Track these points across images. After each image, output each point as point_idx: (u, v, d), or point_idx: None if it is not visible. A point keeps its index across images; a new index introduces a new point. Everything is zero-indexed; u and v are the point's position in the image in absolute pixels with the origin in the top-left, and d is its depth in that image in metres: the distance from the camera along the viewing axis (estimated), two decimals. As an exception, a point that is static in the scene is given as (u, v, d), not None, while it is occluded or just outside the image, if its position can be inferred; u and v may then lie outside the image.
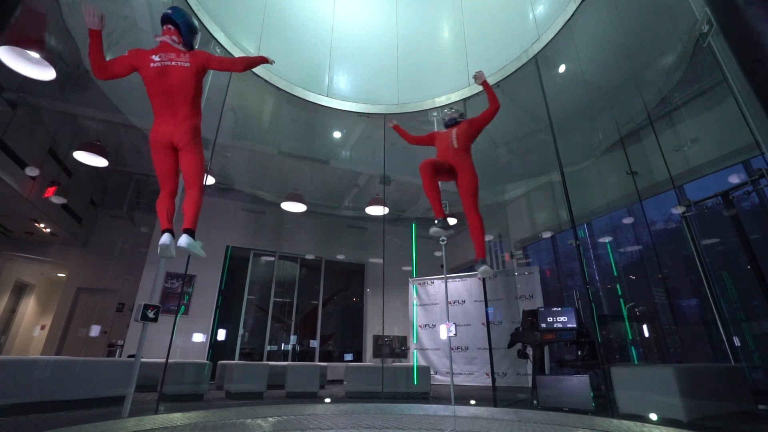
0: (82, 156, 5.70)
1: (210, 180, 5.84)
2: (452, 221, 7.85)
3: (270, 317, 8.66)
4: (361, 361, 9.12)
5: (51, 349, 7.93)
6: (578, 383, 3.89)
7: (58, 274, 9.02)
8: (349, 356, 9.17)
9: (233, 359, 7.54)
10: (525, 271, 7.49)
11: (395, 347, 8.61)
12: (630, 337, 5.29)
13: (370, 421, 3.73)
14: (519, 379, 6.59)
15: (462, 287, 7.91)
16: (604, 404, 3.65)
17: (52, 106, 5.99)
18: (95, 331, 7.65)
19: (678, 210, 5.23)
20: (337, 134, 7.23)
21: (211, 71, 4.27)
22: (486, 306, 5.55)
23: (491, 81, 5.57)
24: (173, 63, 2.65)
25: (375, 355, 8.73)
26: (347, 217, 9.53)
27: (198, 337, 7.78)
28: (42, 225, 7.47)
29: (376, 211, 7.18)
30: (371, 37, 6.38)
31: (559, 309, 4.52)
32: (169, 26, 2.82)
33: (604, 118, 5.98)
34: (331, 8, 6.23)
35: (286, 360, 8.47)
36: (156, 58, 2.64)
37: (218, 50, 4.91)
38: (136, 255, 7.90)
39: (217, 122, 4.73)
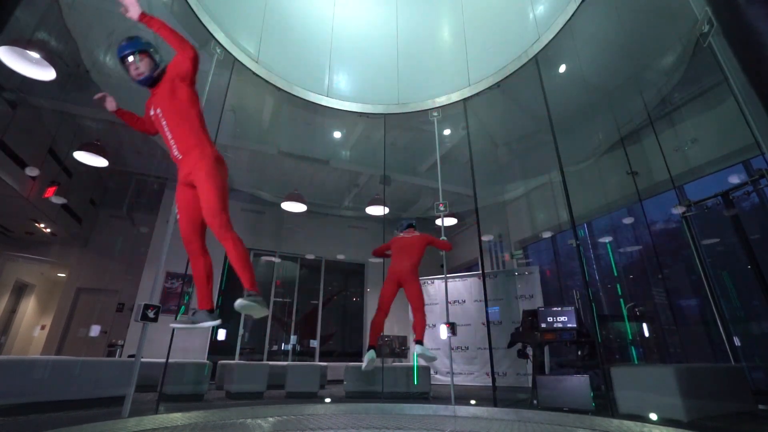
0: (82, 156, 5.70)
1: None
2: (452, 221, 7.88)
3: (270, 317, 8.66)
4: (361, 361, 9.11)
5: (51, 349, 7.94)
6: (578, 383, 3.89)
7: (58, 274, 9.03)
8: (349, 356, 9.16)
9: (233, 359, 7.54)
10: (525, 271, 7.49)
11: (395, 347, 8.61)
12: (630, 337, 5.29)
13: (370, 421, 3.73)
14: (519, 379, 6.59)
15: (462, 287, 7.91)
16: (604, 404, 3.64)
17: (52, 106, 5.99)
18: (95, 331, 7.65)
19: (678, 210, 5.23)
20: (337, 134, 7.23)
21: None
22: (486, 306, 5.54)
23: (491, 81, 5.59)
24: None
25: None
26: (347, 217, 9.53)
27: (198, 337, 7.77)
28: (42, 225, 7.47)
29: (376, 211, 7.17)
30: (371, 37, 6.38)
31: (559, 309, 4.51)
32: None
33: (604, 118, 5.98)
34: (331, 8, 6.22)
35: (286, 360, 8.47)
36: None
37: (218, 50, 4.90)
38: (136, 255, 7.89)
39: (217, 122, 4.73)
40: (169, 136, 2.38)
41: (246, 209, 8.92)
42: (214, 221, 2.21)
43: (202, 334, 7.83)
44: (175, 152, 2.39)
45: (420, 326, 4.10)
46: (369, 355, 4.01)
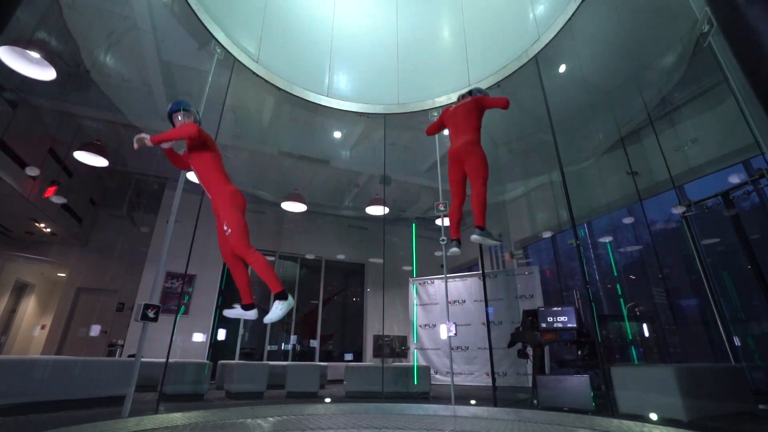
0: (82, 156, 5.70)
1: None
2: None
3: (270, 317, 8.64)
4: (361, 361, 9.12)
5: (51, 349, 7.94)
6: (578, 383, 3.89)
7: (58, 274, 9.03)
8: (349, 356, 9.17)
9: (233, 359, 7.54)
10: (525, 271, 7.49)
11: (395, 347, 8.61)
12: (630, 337, 5.29)
13: (370, 421, 3.73)
14: (519, 379, 6.59)
15: (462, 287, 7.91)
16: (604, 404, 3.64)
17: (52, 106, 5.99)
18: (95, 330, 7.64)
19: (678, 210, 5.23)
20: (337, 134, 7.23)
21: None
22: (486, 306, 5.55)
23: (491, 81, 5.59)
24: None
25: (375, 354, 8.72)
26: (347, 217, 9.53)
27: (198, 337, 7.77)
28: (42, 225, 7.48)
29: (376, 211, 7.17)
30: (371, 37, 6.38)
31: (559, 309, 4.51)
32: None
33: (604, 118, 5.98)
34: (331, 8, 6.22)
35: (286, 360, 8.47)
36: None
37: (218, 50, 4.90)
38: (136, 255, 7.89)
39: (217, 122, 4.73)
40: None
41: (246, 209, 8.91)
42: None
43: (202, 334, 7.83)
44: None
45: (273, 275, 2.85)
46: (254, 313, 2.99)
